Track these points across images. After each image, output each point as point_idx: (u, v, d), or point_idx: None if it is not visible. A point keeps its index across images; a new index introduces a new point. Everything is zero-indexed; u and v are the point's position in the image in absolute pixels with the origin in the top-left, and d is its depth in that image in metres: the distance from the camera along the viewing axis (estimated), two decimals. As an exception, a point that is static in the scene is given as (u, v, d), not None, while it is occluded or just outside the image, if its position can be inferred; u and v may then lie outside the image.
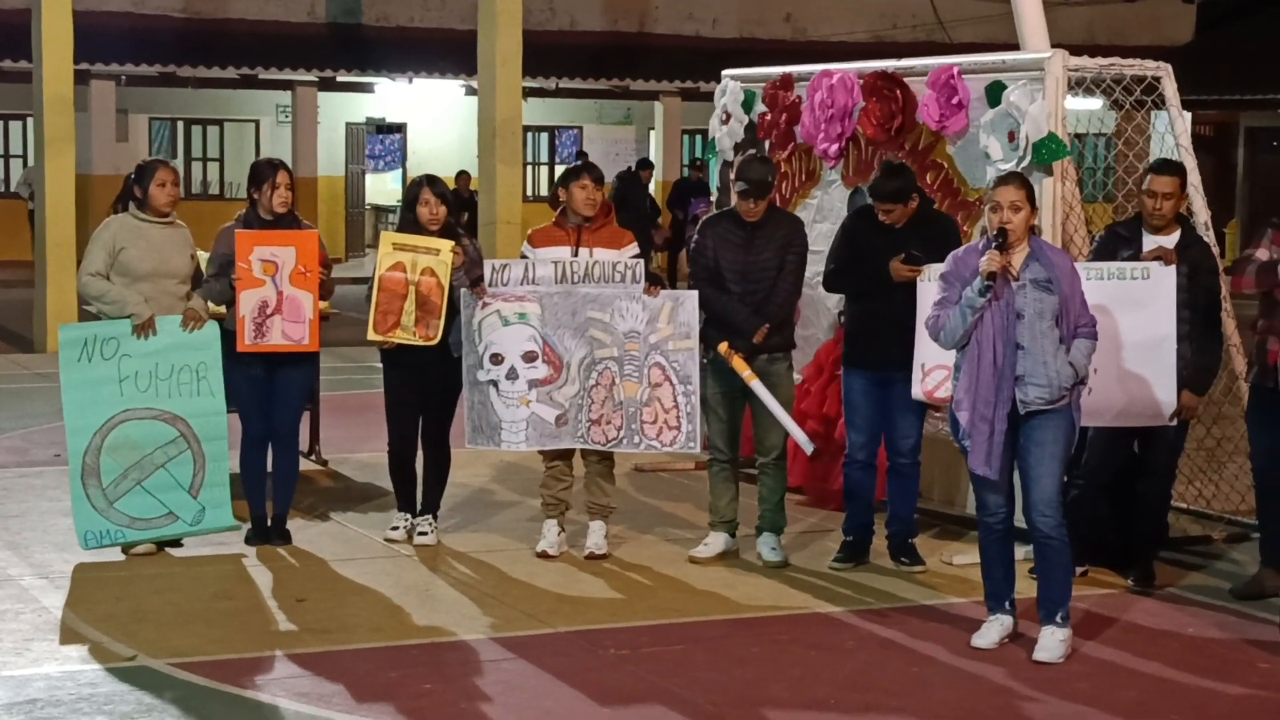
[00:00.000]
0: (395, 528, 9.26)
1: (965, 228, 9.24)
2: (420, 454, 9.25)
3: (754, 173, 8.71)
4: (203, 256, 9.17)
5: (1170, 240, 8.41)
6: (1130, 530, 8.62)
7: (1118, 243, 8.49)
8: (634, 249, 8.99)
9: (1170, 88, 9.44)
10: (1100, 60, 9.26)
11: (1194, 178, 9.28)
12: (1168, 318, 8.25)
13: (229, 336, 8.81)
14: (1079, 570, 8.51)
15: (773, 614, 7.99)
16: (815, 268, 9.43)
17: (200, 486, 8.83)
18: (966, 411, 7.22)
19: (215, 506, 8.87)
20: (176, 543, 8.96)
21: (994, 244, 7.15)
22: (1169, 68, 9.49)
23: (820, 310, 10.31)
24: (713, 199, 11.79)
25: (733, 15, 31.25)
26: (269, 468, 9.11)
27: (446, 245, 8.87)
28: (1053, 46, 9.41)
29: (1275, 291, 8.00)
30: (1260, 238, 8.16)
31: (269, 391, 8.98)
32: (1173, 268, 8.26)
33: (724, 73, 11.53)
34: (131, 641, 7.31)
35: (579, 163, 9.23)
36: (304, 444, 11.03)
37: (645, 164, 25.26)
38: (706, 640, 7.55)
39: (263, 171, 8.95)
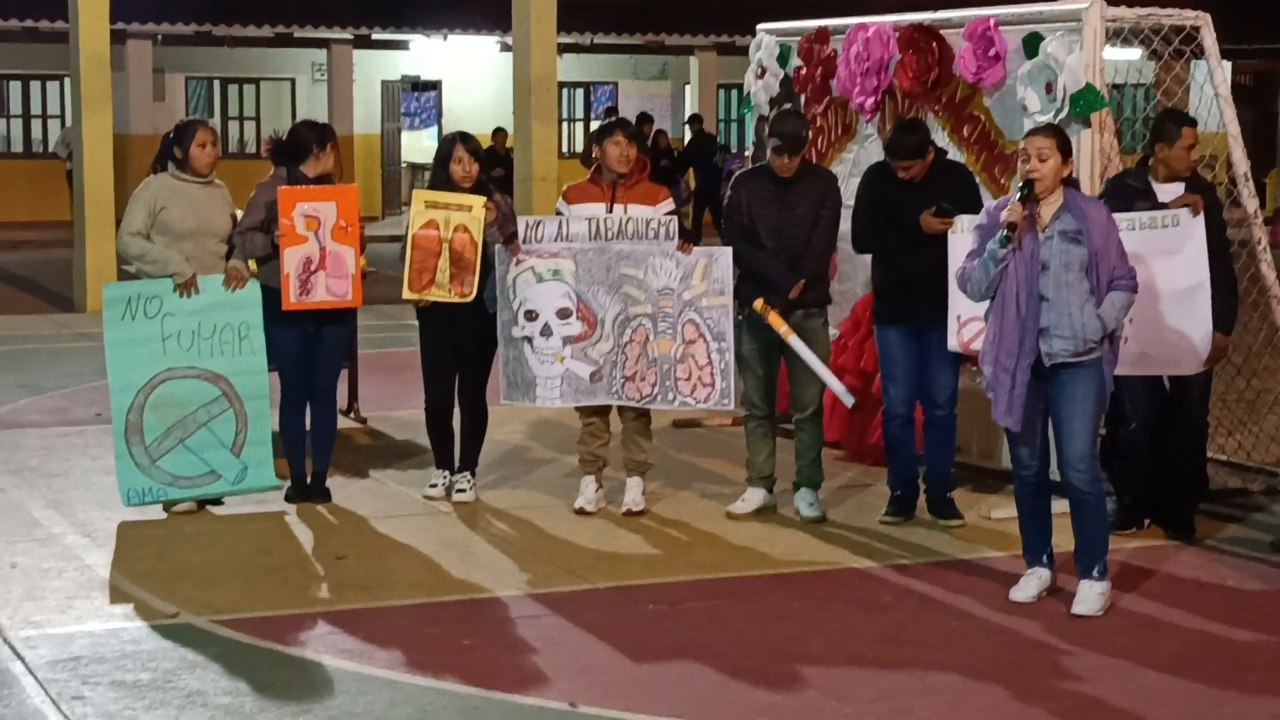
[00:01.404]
0: (434, 485, 9.29)
1: (1003, 180, 9.19)
2: (457, 411, 9.28)
3: (788, 127, 8.68)
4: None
5: (1178, 187, 8.35)
6: (1167, 482, 8.61)
7: (1132, 194, 8.39)
8: (669, 205, 8.97)
9: (1209, 38, 9.36)
10: (1138, 10, 9.19)
11: (1233, 128, 9.22)
12: (1200, 265, 8.20)
13: (269, 294, 8.83)
14: (1145, 523, 8.52)
15: (810, 569, 8.00)
16: (849, 223, 9.39)
17: (243, 445, 8.88)
18: (990, 363, 7.21)
19: (257, 465, 8.91)
20: (218, 501, 9.01)
21: (1021, 194, 7.12)
22: (1208, 17, 9.40)
23: (857, 265, 10.25)
24: (748, 153, 11.75)
25: (768, -32, 31.08)
26: (308, 426, 9.15)
27: (479, 201, 8.87)
28: (1090, -3, 9.34)
29: None
30: None
31: (310, 350, 9.01)
32: (1201, 216, 8.21)
33: (759, 27, 11.48)
34: (174, 599, 7.36)
35: (612, 119, 9.21)
36: (343, 402, 11.09)
37: (645, 118, 25.27)
38: (745, 595, 7.57)
39: (307, 140, 8.92)
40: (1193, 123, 8.50)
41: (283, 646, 6.78)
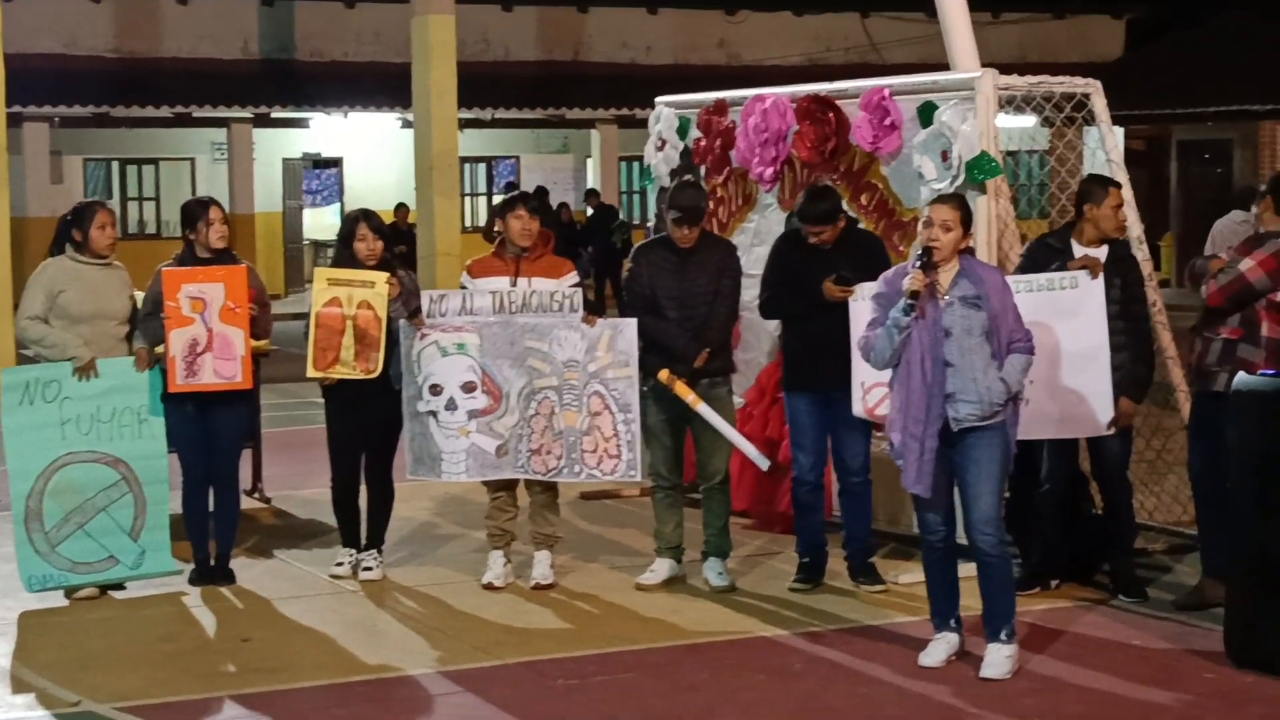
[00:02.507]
0: (340, 564, 9.21)
1: (901, 248, 9.28)
2: (363, 489, 9.22)
3: (686, 199, 8.74)
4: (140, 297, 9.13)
5: (1100, 251, 8.50)
6: (1081, 543, 8.71)
7: (1049, 254, 8.57)
8: (573, 278, 8.99)
9: (1100, 104, 9.53)
10: (1030, 79, 9.33)
11: (1126, 193, 9.36)
12: (1099, 327, 8.32)
13: (164, 377, 8.75)
14: (1053, 583, 8.59)
15: (720, 639, 7.98)
16: (752, 291, 9.45)
17: (141, 530, 8.78)
18: (898, 431, 7.25)
19: (155, 550, 8.82)
20: (120, 585, 8.89)
21: (920, 261, 7.19)
22: (1098, 84, 9.57)
23: (760, 334, 10.33)
24: (649, 224, 11.80)
25: (666, 41, 31.35)
26: (210, 508, 9.05)
27: (381, 277, 8.85)
28: (983, 66, 9.49)
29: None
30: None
31: (205, 431, 8.93)
32: (1100, 278, 8.34)
33: (658, 99, 11.56)
34: (76, 687, 7.24)
35: (513, 193, 9.23)
36: (246, 482, 10.98)
37: (542, 191, 25.42)
38: (655, 667, 7.54)
39: (194, 210, 8.94)
40: (1118, 185, 8.65)
41: (188, 732, 6.69)
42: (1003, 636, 7.29)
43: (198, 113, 27.55)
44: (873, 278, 7.62)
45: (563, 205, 26.74)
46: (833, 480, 9.03)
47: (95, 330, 8.77)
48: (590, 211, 28.02)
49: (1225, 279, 7.97)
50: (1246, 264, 7.95)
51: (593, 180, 30.62)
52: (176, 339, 8.69)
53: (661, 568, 8.96)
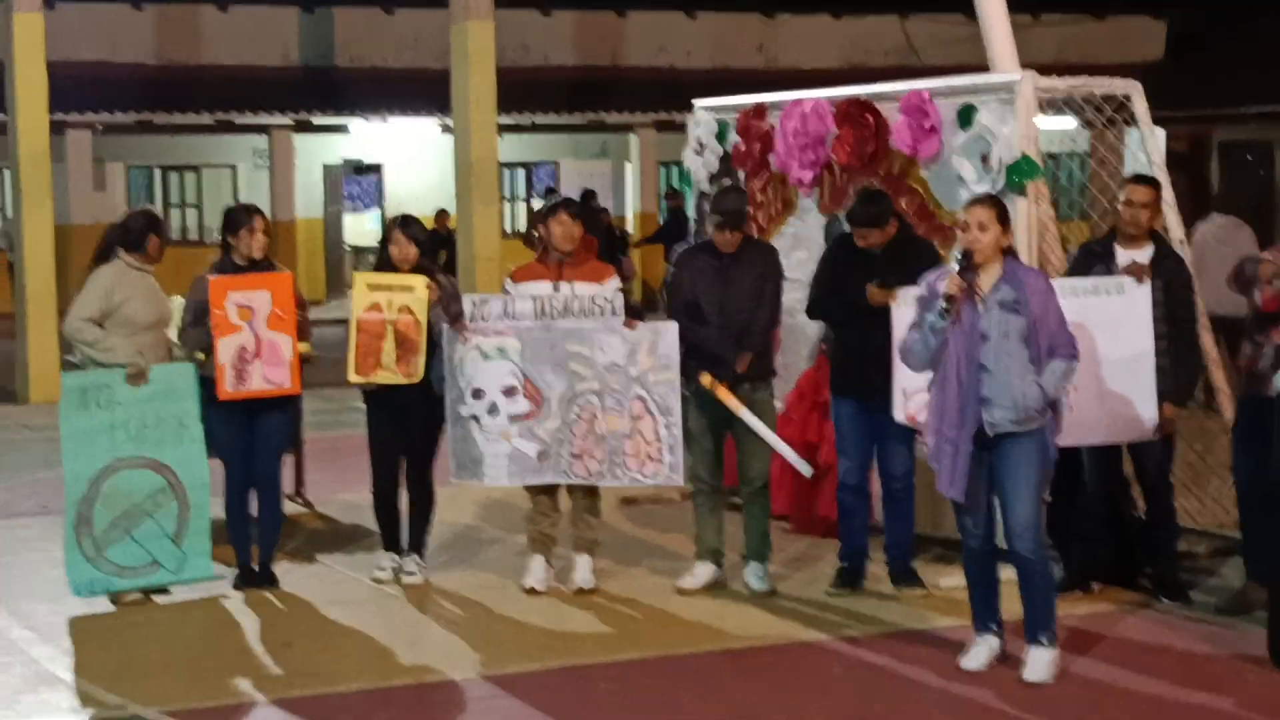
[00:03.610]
0: (382, 568, 9.24)
1: (942, 251, 9.25)
2: (404, 493, 9.25)
3: (729, 204, 8.75)
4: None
5: (1144, 255, 8.47)
6: (1125, 548, 8.69)
7: (1092, 259, 8.55)
8: (616, 282, 9.00)
9: (1140, 105, 9.49)
10: (1070, 80, 9.29)
11: (1168, 194, 9.32)
12: (1145, 333, 8.29)
13: (208, 384, 8.81)
14: (1095, 587, 8.56)
15: (761, 644, 7.98)
16: (793, 295, 9.45)
17: (184, 535, 8.83)
18: (933, 434, 7.24)
19: (197, 555, 8.87)
20: (164, 590, 8.94)
21: (960, 264, 7.17)
22: (1138, 85, 9.53)
23: (800, 338, 10.32)
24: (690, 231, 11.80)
25: (705, 46, 31.33)
26: (254, 513, 9.10)
27: (421, 281, 8.88)
28: (1023, 68, 9.45)
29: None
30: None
31: (251, 438, 8.98)
32: (1147, 283, 8.31)
33: (696, 103, 11.55)
34: (121, 691, 7.29)
35: (556, 199, 9.25)
36: (289, 487, 11.01)
37: (589, 194, 25.36)
38: (696, 673, 7.54)
39: (239, 217, 8.99)
40: (1143, 181, 8.59)
41: (232, 736, 6.72)
42: (1043, 640, 7.27)
43: (239, 119, 27.67)
44: (923, 283, 7.60)
45: (603, 210, 26.63)
46: (877, 485, 9.02)
47: (156, 338, 8.90)
48: (666, 213, 27.73)
49: None
50: None
51: (632, 185, 30.61)
52: (225, 346, 8.74)
53: (702, 571, 8.96)
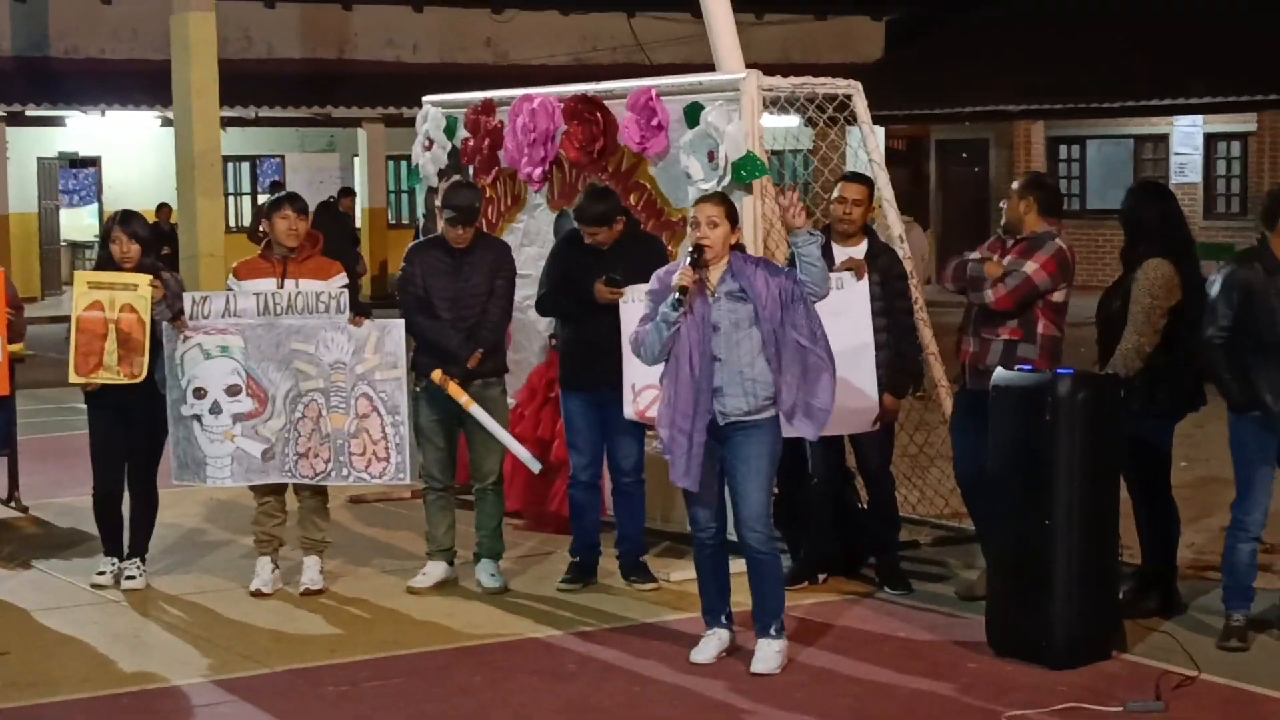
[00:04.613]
0: (102, 573, 8.99)
1: (670, 247, 9.34)
2: (126, 496, 9.01)
3: (461, 199, 8.71)
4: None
5: (858, 250, 8.69)
6: (849, 537, 8.86)
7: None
8: (342, 279, 8.90)
9: (860, 105, 9.70)
10: (793, 80, 9.46)
11: (887, 192, 9.55)
12: (864, 326, 8.50)
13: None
14: (821, 578, 8.71)
15: (493, 641, 7.96)
16: (524, 291, 9.44)
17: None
18: (666, 426, 7.30)
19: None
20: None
21: (691, 258, 7.24)
22: (859, 86, 9.74)
23: (531, 334, 10.33)
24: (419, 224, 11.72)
25: (433, 40, 31.14)
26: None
27: (144, 280, 8.66)
28: (748, 66, 9.60)
29: (968, 293, 8.28)
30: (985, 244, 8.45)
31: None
32: (865, 279, 8.51)
33: (425, 99, 11.48)
34: None
35: (280, 194, 9.10)
36: (2, 490, 10.67)
37: (347, 192, 24.90)
38: (427, 671, 7.49)
39: None
40: (855, 178, 8.79)
41: (-58, 752, 6.47)
42: (773, 632, 7.37)
43: (-52, 110, 26.69)
44: (650, 279, 7.65)
45: (345, 191, 25.67)
46: (607, 480, 9.06)
47: None
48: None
49: (1014, 283, 8.13)
50: (1031, 267, 8.14)
51: (360, 179, 30.31)
52: (-74, 347, 8.43)
53: (434, 570, 8.91)
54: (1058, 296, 8.21)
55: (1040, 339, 8.18)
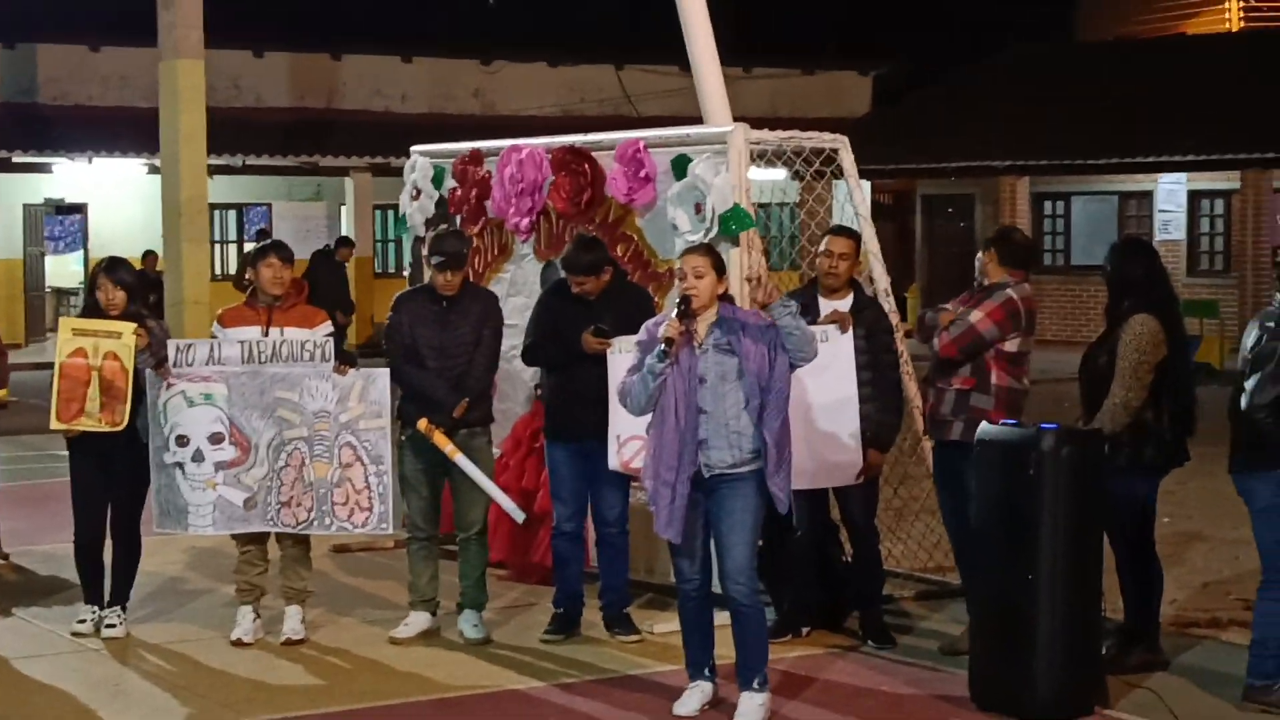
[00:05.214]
0: (82, 620, 8.94)
1: (657, 299, 9.35)
2: (108, 543, 8.97)
3: (449, 245, 8.72)
4: None
5: (844, 304, 8.70)
6: (832, 590, 8.84)
7: (795, 310, 8.70)
8: (327, 328, 8.89)
9: (847, 159, 9.73)
10: (780, 133, 9.50)
11: (873, 245, 9.57)
12: (848, 379, 8.51)
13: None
14: (805, 631, 8.68)
15: (475, 692, 7.92)
16: (510, 341, 9.44)
17: None
18: (650, 477, 7.29)
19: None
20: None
21: (678, 310, 7.25)
22: (845, 140, 9.78)
23: (517, 384, 10.32)
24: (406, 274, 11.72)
25: (421, 90, 31.24)
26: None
27: (129, 328, 8.65)
28: (736, 119, 9.61)
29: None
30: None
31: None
32: (850, 332, 8.53)
33: (413, 149, 11.49)
34: None
35: (265, 242, 9.11)
36: (-17, 538, 10.64)
37: (345, 242, 24.73)
38: (408, 722, 7.45)
39: None
40: (842, 232, 8.81)
41: (-82, 800, 6.42)
42: (755, 685, 7.34)
43: (-66, 157, 26.70)
44: (636, 330, 7.66)
45: (343, 240, 25.48)
46: (591, 531, 9.04)
47: None
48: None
49: (957, 331, 8.19)
50: (976, 315, 8.19)
51: (347, 228, 30.33)
52: (-91, 394, 8.41)
53: (416, 620, 8.87)
54: (1009, 346, 8.23)
55: (995, 389, 8.20)
